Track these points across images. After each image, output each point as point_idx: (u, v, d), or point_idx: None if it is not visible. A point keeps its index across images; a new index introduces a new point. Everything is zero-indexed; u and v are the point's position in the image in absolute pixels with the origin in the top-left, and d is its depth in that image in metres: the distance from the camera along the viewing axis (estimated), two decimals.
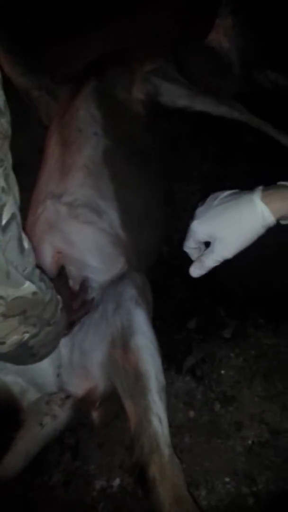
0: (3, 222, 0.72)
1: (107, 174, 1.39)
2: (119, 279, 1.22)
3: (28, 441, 1.29)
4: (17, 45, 1.73)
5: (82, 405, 1.26)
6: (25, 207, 1.39)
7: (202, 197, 1.68)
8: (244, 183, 0.85)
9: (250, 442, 1.18)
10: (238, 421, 1.21)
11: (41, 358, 0.98)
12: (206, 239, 0.81)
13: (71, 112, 1.49)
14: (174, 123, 1.66)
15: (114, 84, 1.54)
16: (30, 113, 1.73)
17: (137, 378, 1.00)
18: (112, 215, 1.35)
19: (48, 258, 1.30)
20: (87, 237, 1.31)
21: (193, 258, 0.88)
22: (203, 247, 0.87)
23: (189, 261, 1.57)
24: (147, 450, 0.96)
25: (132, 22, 2.07)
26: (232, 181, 1.67)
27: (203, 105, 1.59)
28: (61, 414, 1.32)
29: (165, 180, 1.57)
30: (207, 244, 0.86)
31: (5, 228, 0.72)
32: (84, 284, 1.26)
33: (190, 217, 1.66)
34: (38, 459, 1.30)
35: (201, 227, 0.80)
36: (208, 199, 0.83)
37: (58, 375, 1.25)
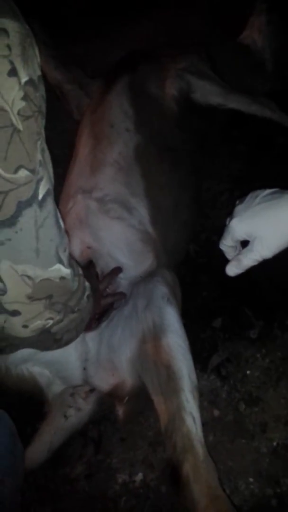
0: (40, 196, 0.71)
1: (138, 171, 1.39)
2: (150, 276, 1.22)
3: (52, 433, 1.31)
4: (50, 39, 1.74)
5: (108, 399, 1.27)
6: (55, 200, 1.40)
7: (230, 196, 1.69)
8: (273, 184, 0.84)
9: (275, 443, 1.17)
10: (263, 422, 1.21)
11: (65, 344, 0.97)
12: (245, 237, 0.81)
13: (104, 107, 1.49)
14: (204, 120, 1.65)
15: (146, 80, 1.54)
16: (61, 107, 1.74)
17: (170, 376, 1.00)
18: (142, 212, 1.35)
19: (77, 253, 1.30)
20: (117, 233, 1.31)
21: (228, 256, 0.87)
22: (239, 246, 0.86)
23: (216, 260, 1.58)
24: (181, 449, 0.96)
25: (163, 17, 2.06)
26: (261, 182, 1.66)
27: (236, 103, 1.58)
28: (85, 407, 1.34)
29: (194, 177, 1.56)
30: (243, 244, 0.85)
31: (41, 203, 0.71)
32: (114, 272, 1.26)
33: (218, 216, 1.67)
34: (61, 451, 1.32)
35: (240, 225, 0.79)
36: (248, 198, 0.83)
37: (85, 368, 1.26)
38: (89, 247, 1.31)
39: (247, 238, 0.81)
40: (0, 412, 0.96)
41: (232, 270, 0.83)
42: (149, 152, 1.42)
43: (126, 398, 1.17)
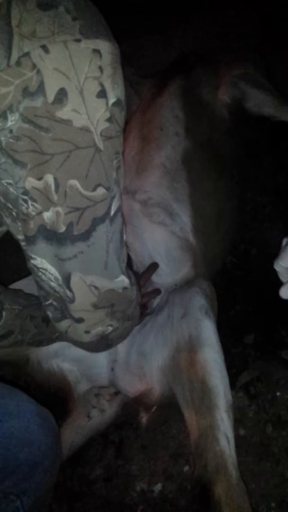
0: (112, 212, 0.73)
1: (184, 177, 1.37)
2: (187, 285, 1.21)
3: (74, 431, 1.31)
4: None
5: (133, 405, 1.26)
6: None
7: (273, 210, 1.65)
8: None
9: None
10: None
11: (112, 347, 0.99)
12: None
13: (154, 109, 1.47)
14: (254, 130, 1.61)
15: (200, 85, 1.51)
16: None
17: (204, 392, 0.98)
18: (185, 218, 1.33)
19: None
20: (158, 238, 1.30)
21: (282, 277, 0.84)
22: None
23: (253, 273, 1.56)
24: (213, 468, 0.94)
25: (215, 20, 2.02)
26: None
27: None
28: (109, 409, 1.33)
29: (239, 187, 1.53)
30: None
31: (113, 219, 0.73)
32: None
33: (259, 228, 1.64)
34: (81, 451, 1.31)
35: None
36: None
37: (112, 369, 1.26)
38: (127, 246, 1.30)
39: None
40: (46, 413, 0.97)
41: (287, 293, 0.81)
42: (197, 158, 1.40)
43: (155, 407, 1.15)
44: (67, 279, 0.74)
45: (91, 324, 0.81)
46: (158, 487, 1.22)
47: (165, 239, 1.31)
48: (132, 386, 1.22)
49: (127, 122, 1.60)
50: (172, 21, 2.03)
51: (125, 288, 0.82)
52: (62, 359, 1.27)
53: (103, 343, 0.89)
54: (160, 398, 1.15)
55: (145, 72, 1.77)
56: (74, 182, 0.67)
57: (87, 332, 0.82)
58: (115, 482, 1.26)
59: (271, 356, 1.35)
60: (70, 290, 0.75)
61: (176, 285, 1.29)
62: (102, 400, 1.34)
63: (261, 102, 1.52)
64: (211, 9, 1.97)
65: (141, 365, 1.19)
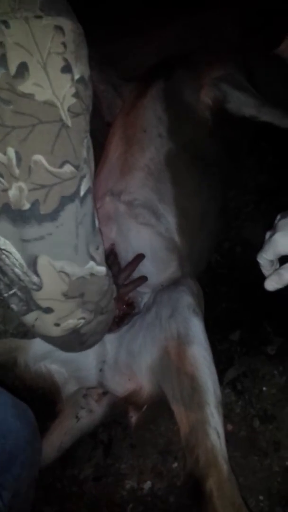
0: (82, 193, 0.71)
1: (168, 178, 1.38)
2: (174, 284, 1.22)
3: (62, 432, 1.31)
4: (86, 38, 1.74)
5: (121, 404, 1.27)
6: None
7: (255, 208, 1.68)
8: None
9: (287, 463, 1.16)
10: (277, 441, 1.20)
11: (88, 347, 0.97)
12: None
13: (137, 111, 1.48)
14: (236, 130, 1.64)
15: (182, 86, 1.53)
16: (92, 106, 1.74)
17: (194, 389, 0.99)
18: (170, 219, 1.35)
19: None
20: (143, 239, 1.31)
21: (264, 270, 0.85)
22: (277, 261, 0.85)
23: (237, 271, 1.58)
24: (204, 463, 0.95)
25: (197, 21, 2.04)
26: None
27: (269, 116, 1.57)
28: (97, 409, 1.34)
29: (222, 187, 1.55)
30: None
31: (83, 200, 0.72)
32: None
33: (241, 226, 1.67)
34: (70, 452, 1.32)
35: (285, 240, 0.78)
36: None
37: (101, 370, 1.26)
38: (113, 244, 1.31)
39: None
40: (23, 406, 0.97)
41: (271, 284, 0.81)
42: (180, 159, 1.42)
43: (145, 406, 1.17)
44: (33, 262, 0.71)
45: (61, 316, 0.78)
46: (147, 484, 1.23)
47: (151, 240, 1.32)
48: (121, 386, 1.23)
49: (110, 124, 1.61)
50: (153, 23, 2.04)
51: (92, 275, 0.78)
52: (50, 361, 1.27)
53: (76, 339, 0.86)
54: (150, 397, 1.16)
55: (128, 74, 1.79)
56: (39, 157, 0.65)
57: (56, 324, 0.79)
58: (104, 481, 1.27)
59: (257, 352, 1.37)
60: (37, 275, 0.72)
61: (163, 285, 1.31)
62: (91, 401, 1.35)
63: (242, 103, 1.54)
64: (192, 10, 1.99)
65: (130, 365, 1.20)
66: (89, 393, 1.35)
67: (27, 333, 1.04)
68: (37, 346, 1.24)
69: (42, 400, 1.31)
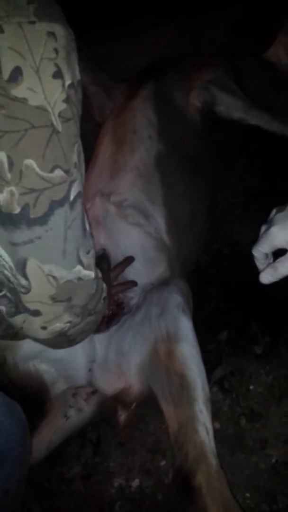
0: (71, 197, 0.72)
1: (157, 178, 1.40)
2: (164, 284, 1.24)
3: (51, 431, 1.32)
4: (77, 40, 1.75)
5: (110, 403, 1.28)
6: None
7: (244, 210, 1.70)
8: None
9: (273, 460, 1.18)
10: (263, 438, 1.22)
11: (76, 343, 0.97)
12: (284, 246, 0.81)
13: (128, 113, 1.50)
14: (225, 132, 1.66)
15: (172, 89, 1.55)
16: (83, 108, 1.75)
17: (183, 386, 1.01)
18: (159, 219, 1.37)
19: None
20: (133, 239, 1.32)
21: (258, 263, 0.86)
22: (271, 255, 0.87)
23: (225, 272, 1.60)
24: (193, 459, 0.97)
25: (188, 25, 2.06)
26: (276, 197, 1.67)
27: (257, 119, 1.59)
28: (86, 408, 1.35)
29: (211, 189, 1.58)
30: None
31: (72, 204, 0.72)
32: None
33: (230, 228, 1.69)
34: (59, 450, 1.32)
35: (281, 233, 0.79)
36: None
37: (90, 370, 1.27)
38: (103, 249, 1.32)
39: (286, 247, 0.81)
40: (14, 404, 0.97)
41: (267, 277, 0.83)
42: (170, 160, 1.44)
43: (134, 404, 1.18)
44: (22, 265, 0.72)
45: (48, 320, 0.79)
46: (135, 482, 1.24)
47: (140, 240, 1.33)
48: (110, 385, 1.24)
49: (101, 125, 1.62)
50: (145, 26, 2.06)
51: (80, 279, 0.79)
52: (40, 360, 1.28)
53: (63, 340, 0.87)
54: (139, 395, 1.17)
55: (119, 76, 1.80)
56: (30, 162, 0.66)
57: (43, 328, 0.79)
58: (93, 479, 1.28)
59: (244, 351, 1.39)
60: (26, 278, 0.73)
61: (152, 284, 1.32)
62: (79, 400, 1.35)
63: (230, 106, 1.57)
64: (183, 14, 2.01)
65: (119, 364, 1.21)
66: (78, 392, 1.36)
67: (17, 335, 1.05)
68: (27, 346, 1.24)
69: (31, 399, 1.32)
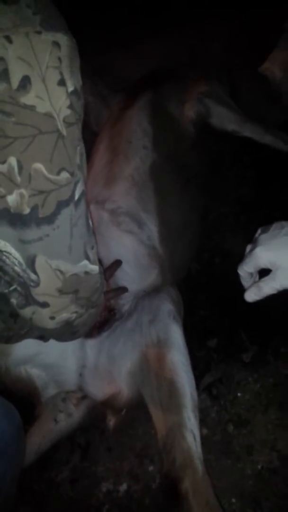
0: (76, 197, 0.76)
1: (151, 188, 1.43)
2: (155, 291, 1.26)
3: (41, 435, 1.33)
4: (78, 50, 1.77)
5: (100, 408, 1.29)
6: None
7: (235, 220, 1.73)
8: (279, 213, 0.88)
9: (259, 466, 1.21)
10: (250, 445, 1.24)
11: (78, 337, 1.01)
12: (268, 266, 0.83)
13: (123, 122, 1.53)
14: (218, 144, 1.69)
15: (168, 100, 1.58)
16: None
17: (172, 392, 1.03)
18: (152, 228, 1.39)
19: None
20: (126, 246, 1.35)
21: (244, 282, 0.89)
22: (256, 273, 0.89)
23: (215, 280, 1.63)
24: (180, 464, 0.99)
25: (185, 37, 2.10)
26: (268, 209, 1.71)
27: (250, 131, 1.63)
28: (76, 413, 1.36)
29: (203, 198, 1.61)
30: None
31: (77, 203, 0.77)
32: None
33: (221, 237, 1.72)
34: (48, 454, 1.33)
35: (265, 254, 0.82)
36: (273, 227, 0.85)
37: (81, 375, 1.28)
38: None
39: (270, 267, 0.83)
40: (9, 405, 0.99)
41: (251, 296, 0.85)
42: (164, 170, 1.46)
43: (124, 410, 1.19)
44: (31, 261, 0.76)
45: (56, 310, 0.83)
46: (123, 487, 1.26)
47: (133, 247, 1.36)
48: (100, 390, 1.25)
49: (96, 134, 1.65)
50: (142, 37, 2.09)
51: (86, 273, 0.84)
52: (31, 365, 1.29)
53: (68, 330, 0.91)
54: (128, 401, 1.19)
55: (115, 86, 1.83)
56: (39, 166, 0.70)
57: (52, 318, 0.84)
58: (81, 483, 1.29)
59: (233, 359, 1.42)
60: (35, 273, 0.77)
61: (144, 291, 1.34)
62: (69, 405, 1.37)
63: (224, 119, 1.60)
64: (180, 25, 2.05)
65: (110, 370, 1.22)
66: (68, 397, 1.37)
67: (12, 337, 1.07)
68: (19, 350, 1.25)
69: (21, 403, 1.33)
